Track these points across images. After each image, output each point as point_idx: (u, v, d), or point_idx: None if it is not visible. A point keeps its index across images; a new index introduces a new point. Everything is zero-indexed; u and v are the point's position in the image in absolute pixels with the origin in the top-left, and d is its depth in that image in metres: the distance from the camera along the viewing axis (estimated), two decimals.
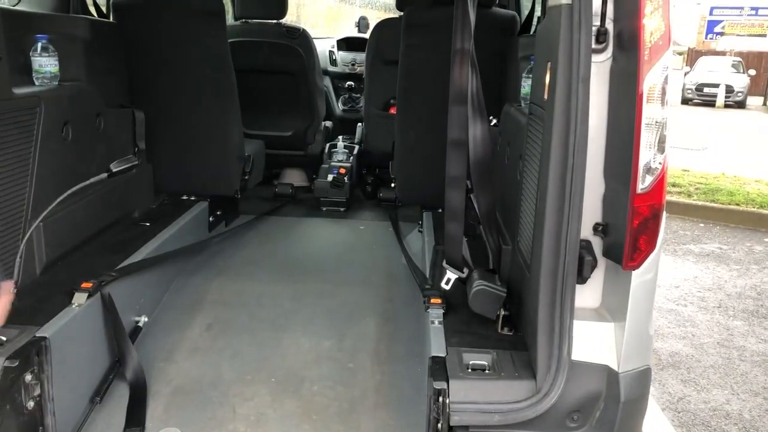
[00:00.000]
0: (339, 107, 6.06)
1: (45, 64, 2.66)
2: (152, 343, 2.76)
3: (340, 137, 5.24)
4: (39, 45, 2.66)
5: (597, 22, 1.83)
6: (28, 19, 2.84)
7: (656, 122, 1.77)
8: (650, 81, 1.74)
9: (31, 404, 2.02)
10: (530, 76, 2.64)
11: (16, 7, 3.09)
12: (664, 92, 1.77)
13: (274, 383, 2.55)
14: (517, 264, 2.32)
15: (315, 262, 3.77)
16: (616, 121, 1.86)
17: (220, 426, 2.32)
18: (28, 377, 2.00)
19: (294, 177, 5.17)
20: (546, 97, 1.97)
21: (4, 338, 2.05)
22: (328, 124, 5.45)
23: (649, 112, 1.76)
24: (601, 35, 1.84)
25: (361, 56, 6.05)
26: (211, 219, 3.88)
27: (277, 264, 3.68)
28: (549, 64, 1.95)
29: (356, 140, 5.32)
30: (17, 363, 1.94)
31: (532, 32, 3.53)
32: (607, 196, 1.92)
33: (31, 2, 3.20)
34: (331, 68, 6.13)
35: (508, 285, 2.30)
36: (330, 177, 4.69)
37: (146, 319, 2.84)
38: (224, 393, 2.48)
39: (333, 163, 4.83)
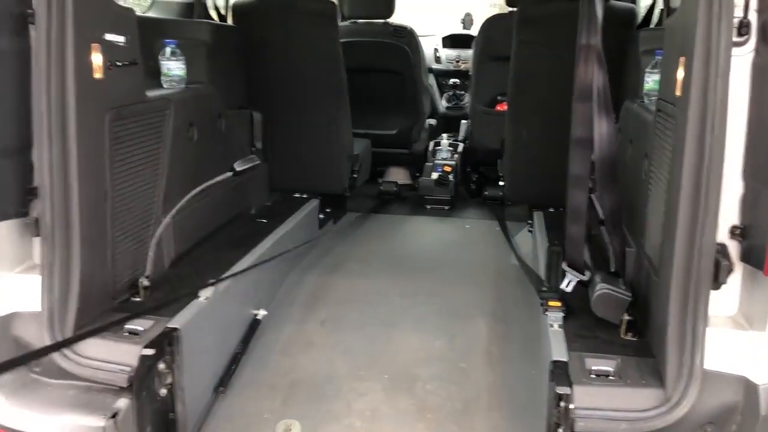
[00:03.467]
0: (443, 105, 6.04)
1: (173, 67, 2.79)
2: (270, 336, 2.86)
3: (444, 135, 5.23)
4: (168, 49, 2.79)
5: (739, 14, 1.72)
6: (158, 25, 3.00)
7: None
8: None
9: (163, 392, 2.12)
10: (654, 71, 2.53)
11: (147, 14, 3.27)
12: None
13: (387, 380, 2.58)
14: (641, 267, 2.23)
15: (422, 260, 3.79)
16: (759, 118, 1.75)
17: (337, 420, 2.36)
18: (161, 366, 2.11)
19: (398, 175, 5.21)
20: (679, 93, 1.88)
21: (140, 328, 2.17)
22: (432, 121, 5.45)
23: None
24: (743, 27, 1.74)
25: (465, 53, 6.00)
26: (321, 216, 3.97)
27: (385, 261, 3.72)
28: (682, 59, 1.86)
29: (460, 138, 5.29)
30: (153, 352, 2.05)
31: (653, 25, 3.39)
32: (747, 198, 1.81)
33: (159, 8, 3.38)
34: (435, 66, 6.12)
35: (632, 289, 2.21)
36: (435, 175, 4.69)
37: (265, 313, 2.94)
38: (339, 388, 2.53)
39: (437, 161, 4.83)
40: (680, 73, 1.88)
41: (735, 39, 1.73)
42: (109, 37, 2.20)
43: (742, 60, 1.76)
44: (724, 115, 1.72)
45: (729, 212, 1.83)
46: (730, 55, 1.71)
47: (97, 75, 2.15)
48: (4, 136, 2.03)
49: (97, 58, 2.14)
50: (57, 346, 2.01)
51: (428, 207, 4.68)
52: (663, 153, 2.05)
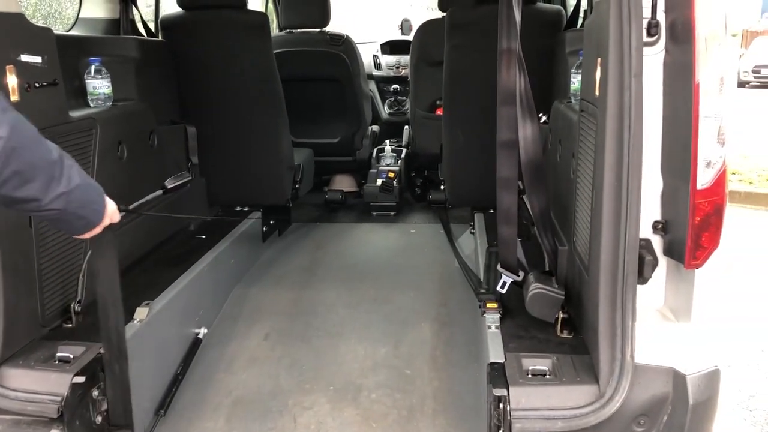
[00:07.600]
0: (385, 111, 6.06)
1: (99, 86, 2.73)
2: (212, 355, 2.81)
3: (388, 141, 5.24)
4: (92, 68, 2.73)
5: (647, 14, 1.77)
6: (81, 43, 2.92)
7: (715, 114, 1.71)
8: (707, 71, 1.68)
9: (99, 419, 2.06)
10: (579, 72, 2.58)
11: (70, 32, 3.19)
12: (722, 82, 1.71)
13: (333, 392, 2.56)
14: (574, 265, 2.27)
15: (368, 267, 3.78)
16: (672, 115, 1.80)
17: None
18: (95, 393, 2.05)
19: (343, 183, 5.20)
20: (597, 93, 1.92)
21: (71, 356, 2.11)
22: (375, 128, 5.46)
23: (707, 103, 1.70)
24: (653, 27, 1.78)
25: (405, 58, 6.02)
26: (264, 229, 3.93)
27: (331, 271, 3.70)
28: (599, 60, 1.90)
29: (403, 143, 5.31)
30: (84, 379, 1.99)
31: (579, 26, 3.46)
32: (666, 193, 1.85)
33: (83, 26, 3.30)
34: (375, 72, 6.13)
35: (566, 287, 2.24)
36: (379, 181, 4.69)
37: (206, 331, 2.89)
38: (284, 403, 2.50)
39: (381, 168, 4.83)
40: (598, 74, 1.92)
41: (646, 39, 1.77)
42: (25, 57, 2.14)
43: (653, 59, 1.81)
44: (639, 113, 1.76)
45: (651, 208, 1.87)
46: (642, 55, 1.76)
47: (14, 97, 2.08)
48: None
49: (12, 80, 2.08)
50: None
51: (374, 213, 4.68)
52: (587, 152, 2.09)
